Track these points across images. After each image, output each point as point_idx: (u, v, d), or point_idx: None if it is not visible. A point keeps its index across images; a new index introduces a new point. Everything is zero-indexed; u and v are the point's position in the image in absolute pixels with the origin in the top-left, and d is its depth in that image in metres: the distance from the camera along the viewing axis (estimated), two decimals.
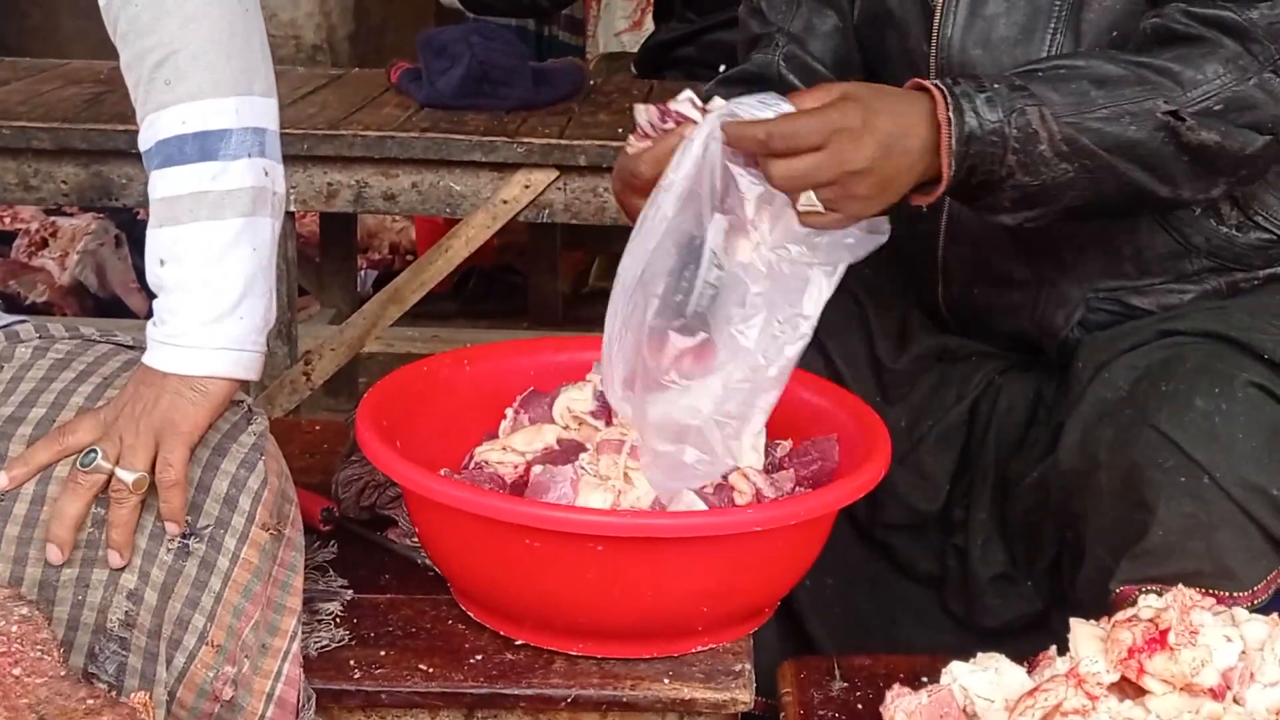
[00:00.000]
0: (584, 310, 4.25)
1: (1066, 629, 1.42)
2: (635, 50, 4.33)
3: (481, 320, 4.29)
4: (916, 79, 1.55)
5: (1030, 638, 1.62)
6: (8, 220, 4.43)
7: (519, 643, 1.57)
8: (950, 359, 1.85)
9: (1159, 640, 1.33)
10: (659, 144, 1.51)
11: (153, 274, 1.44)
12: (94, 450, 1.38)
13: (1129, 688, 1.36)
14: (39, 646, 1.23)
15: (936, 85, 1.52)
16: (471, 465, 1.66)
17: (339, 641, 1.57)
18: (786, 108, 1.48)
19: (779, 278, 1.49)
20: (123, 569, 1.38)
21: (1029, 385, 1.80)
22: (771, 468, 1.64)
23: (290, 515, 1.46)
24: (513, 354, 1.83)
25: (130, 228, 4.23)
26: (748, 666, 1.55)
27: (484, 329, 4.07)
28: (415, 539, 1.71)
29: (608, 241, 4.22)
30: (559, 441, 1.64)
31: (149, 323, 1.44)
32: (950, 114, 1.50)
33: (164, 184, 1.42)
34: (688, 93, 1.54)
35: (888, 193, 1.49)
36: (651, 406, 1.51)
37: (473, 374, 1.78)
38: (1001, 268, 1.78)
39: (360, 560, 1.73)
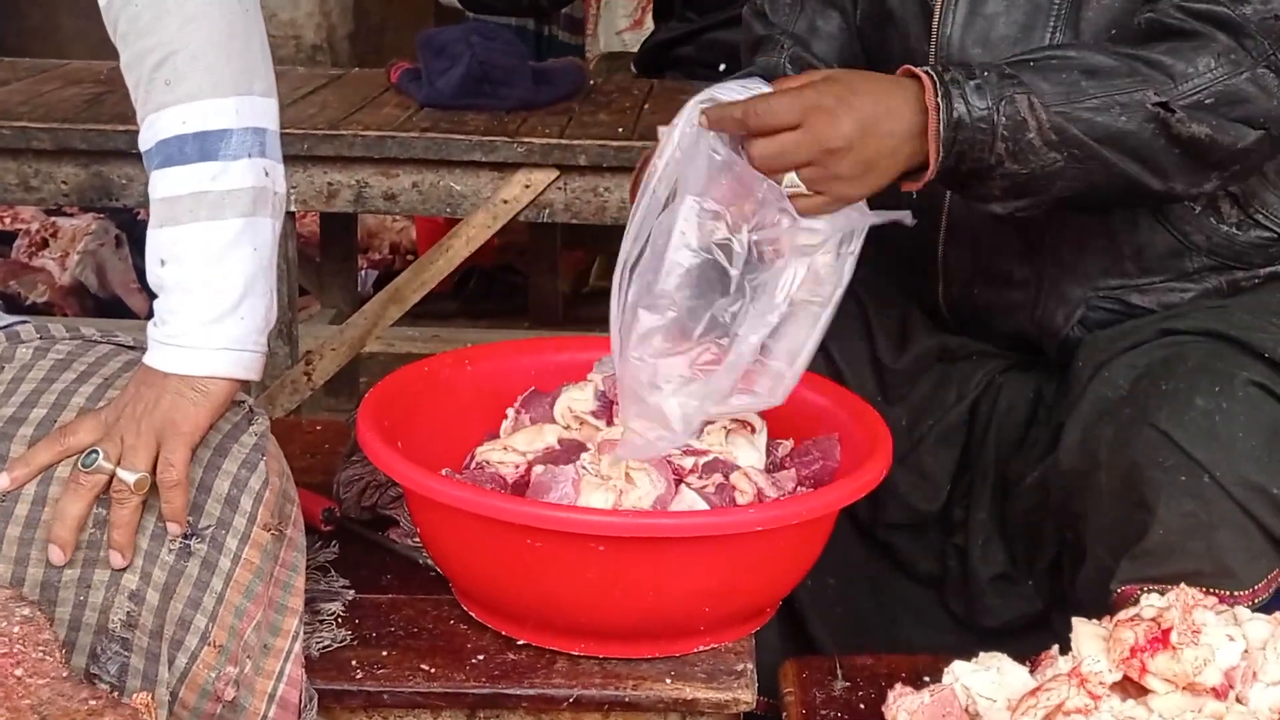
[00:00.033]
0: (584, 310, 4.25)
1: (1067, 629, 1.42)
2: (636, 49, 4.33)
3: (482, 320, 4.28)
4: (908, 66, 1.55)
5: (1030, 638, 1.62)
6: (8, 221, 4.43)
7: (521, 643, 1.57)
8: (950, 359, 1.85)
9: (1161, 639, 1.33)
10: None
11: (153, 274, 1.44)
12: (95, 451, 1.38)
13: (1131, 687, 1.36)
14: (41, 647, 1.23)
15: (926, 71, 1.52)
16: (473, 465, 1.66)
17: (341, 642, 1.57)
18: (766, 90, 1.49)
19: (754, 263, 1.49)
20: (124, 570, 1.38)
21: (1029, 385, 1.80)
22: (773, 467, 1.65)
23: (292, 515, 1.46)
24: (513, 354, 1.83)
25: (131, 228, 4.23)
26: (750, 666, 1.55)
27: (484, 329, 4.07)
28: (417, 539, 1.71)
29: (608, 241, 4.18)
30: (560, 441, 1.64)
31: (149, 323, 1.44)
32: (939, 100, 1.50)
33: (164, 184, 1.42)
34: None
35: (872, 174, 1.49)
36: (623, 381, 1.53)
37: (474, 374, 1.78)
38: (1002, 267, 1.78)
39: (362, 560, 1.73)
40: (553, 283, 4.30)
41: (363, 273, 4.39)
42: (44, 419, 1.44)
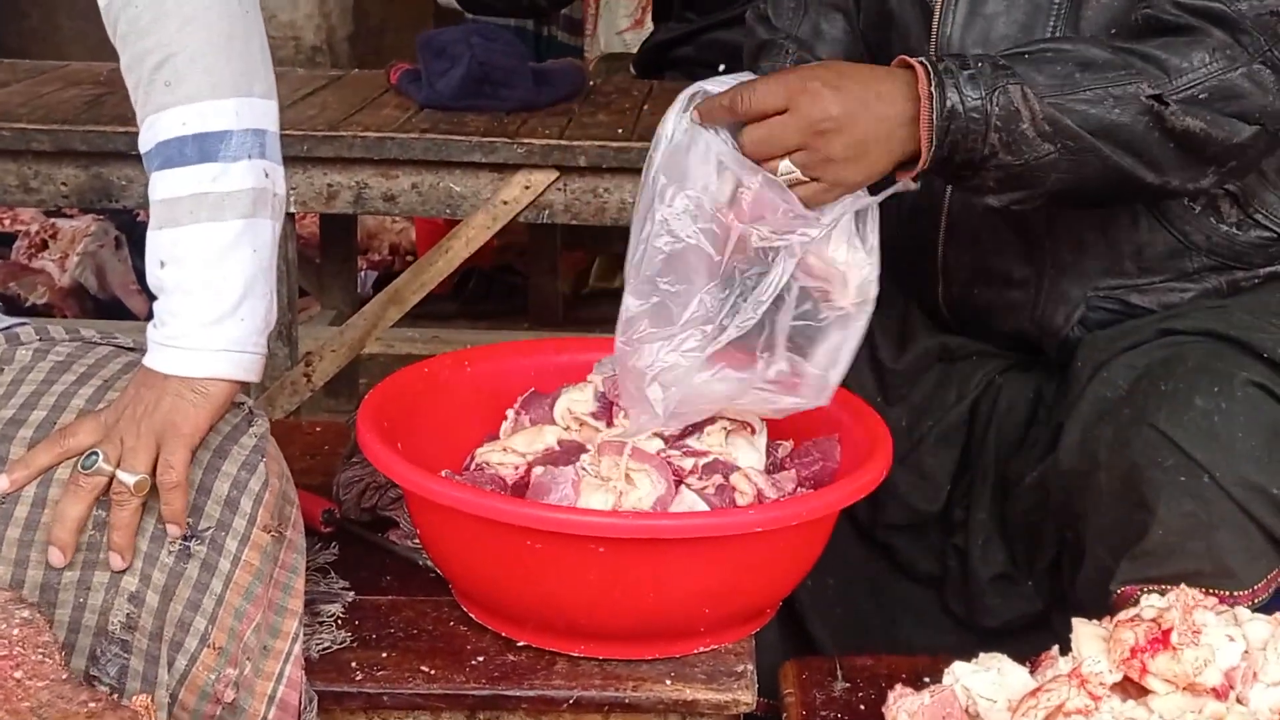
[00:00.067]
0: (584, 311, 4.24)
1: (1067, 629, 1.42)
2: (637, 48, 4.33)
3: (482, 321, 4.28)
4: (903, 56, 1.56)
5: (1030, 638, 1.63)
6: (8, 222, 4.43)
7: (521, 644, 1.57)
8: (950, 359, 1.85)
9: (1162, 640, 1.33)
10: None
11: (153, 276, 1.44)
12: (95, 453, 1.38)
13: (1132, 688, 1.36)
14: (40, 650, 1.23)
15: (921, 61, 1.52)
16: (472, 466, 1.66)
17: (340, 643, 1.57)
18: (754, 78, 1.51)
19: (751, 255, 1.50)
20: (124, 572, 1.38)
21: (1029, 385, 1.80)
22: (773, 468, 1.65)
23: (291, 517, 1.46)
24: (513, 355, 1.83)
25: (130, 229, 4.23)
26: (750, 667, 1.55)
27: (484, 330, 4.07)
28: (416, 540, 1.71)
29: (608, 242, 4.21)
30: (560, 443, 1.64)
31: (149, 325, 1.44)
32: (932, 89, 1.50)
33: (164, 186, 1.42)
34: None
35: (867, 158, 1.50)
36: (618, 365, 1.55)
37: (473, 375, 1.78)
38: (1001, 267, 1.78)
39: (361, 562, 1.73)
40: (552, 284, 4.30)
41: (362, 274, 4.39)
42: (44, 421, 1.44)
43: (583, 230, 3.89)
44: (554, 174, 2.89)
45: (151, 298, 1.45)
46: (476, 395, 1.75)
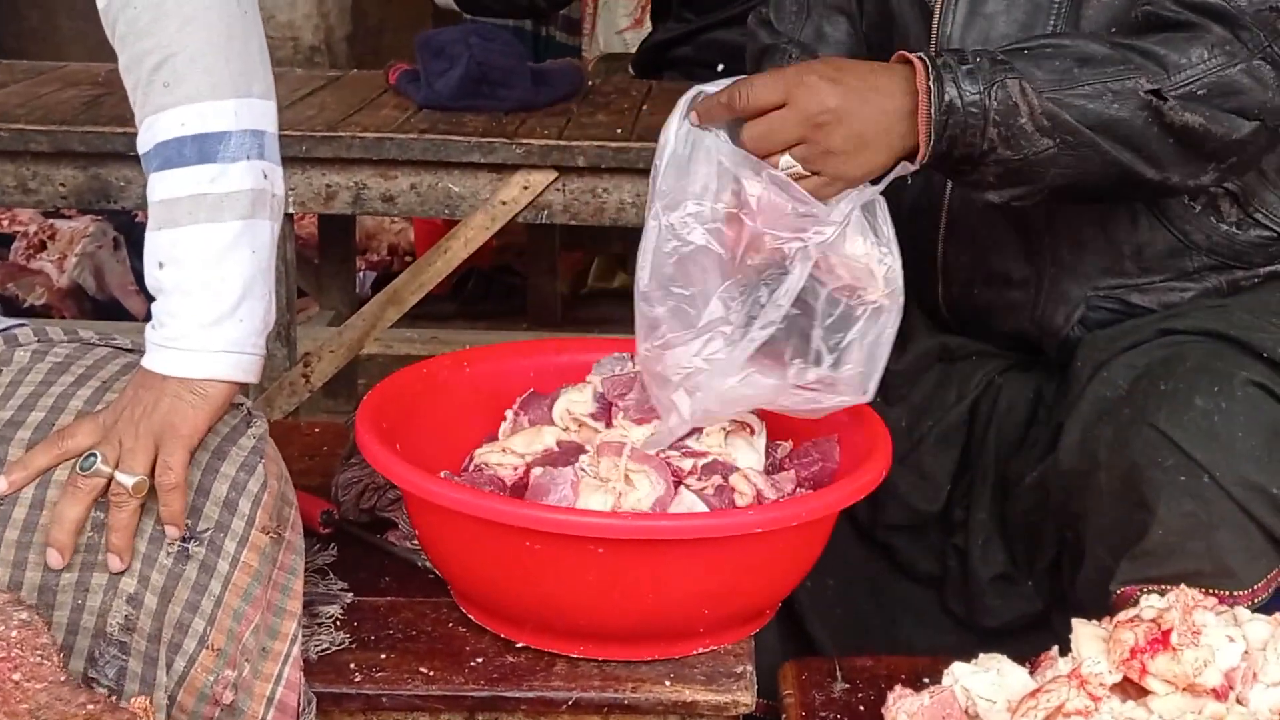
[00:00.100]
0: (583, 311, 4.24)
1: (1067, 629, 1.42)
2: (636, 49, 4.33)
3: (480, 321, 4.28)
4: (902, 52, 1.56)
5: (1030, 638, 1.62)
6: (6, 223, 4.42)
7: (520, 645, 1.57)
8: (950, 359, 1.85)
9: (1161, 640, 1.33)
10: None
11: (151, 277, 1.43)
12: (93, 454, 1.38)
13: (1131, 688, 1.36)
14: (39, 651, 1.23)
15: (920, 56, 1.52)
16: (471, 467, 1.66)
17: (339, 645, 1.57)
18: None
19: (760, 252, 1.50)
20: (122, 573, 1.38)
21: (1029, 385, 1.80)
22: (772, 469, 1.64)
23: (290, 518, 1.46)
24: (512, 355, 1.83)
25: (129, 230, 4.23)
26: (749, 668, 1.55)
27: (483, 330, 4.07)
28: (415, 541, 1.71)
29: (607, 242, 4.21)
30: (559, 443, 1.64)
31: (148, 326, 1.44)
32: (930, 84, 1.50)
33: (163, 186, 1.42)
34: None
35: (867, 151, 1.50)
36: (644, 373, 1.56)
37: (472, 376, 1.77)
38: (1001, 267, 1.78)
39: (360, 563, 1.73)
40: (551, 284, 4.29)
41: (361, 274, 4.39)
42: (42, 422, 1.43)
43: (581, 230, 3.89)
44: (553, 174, 2.89)
45: (150, 299, 1.44)
46: (475, 396, 1.75)
